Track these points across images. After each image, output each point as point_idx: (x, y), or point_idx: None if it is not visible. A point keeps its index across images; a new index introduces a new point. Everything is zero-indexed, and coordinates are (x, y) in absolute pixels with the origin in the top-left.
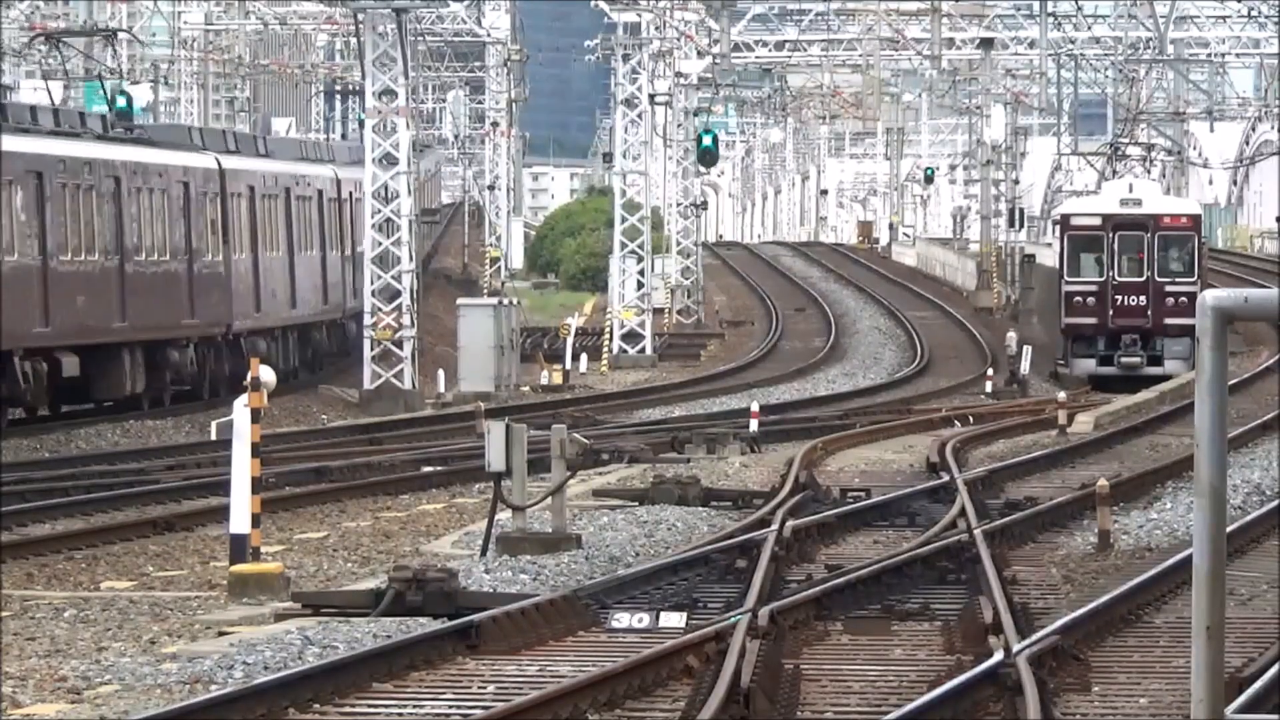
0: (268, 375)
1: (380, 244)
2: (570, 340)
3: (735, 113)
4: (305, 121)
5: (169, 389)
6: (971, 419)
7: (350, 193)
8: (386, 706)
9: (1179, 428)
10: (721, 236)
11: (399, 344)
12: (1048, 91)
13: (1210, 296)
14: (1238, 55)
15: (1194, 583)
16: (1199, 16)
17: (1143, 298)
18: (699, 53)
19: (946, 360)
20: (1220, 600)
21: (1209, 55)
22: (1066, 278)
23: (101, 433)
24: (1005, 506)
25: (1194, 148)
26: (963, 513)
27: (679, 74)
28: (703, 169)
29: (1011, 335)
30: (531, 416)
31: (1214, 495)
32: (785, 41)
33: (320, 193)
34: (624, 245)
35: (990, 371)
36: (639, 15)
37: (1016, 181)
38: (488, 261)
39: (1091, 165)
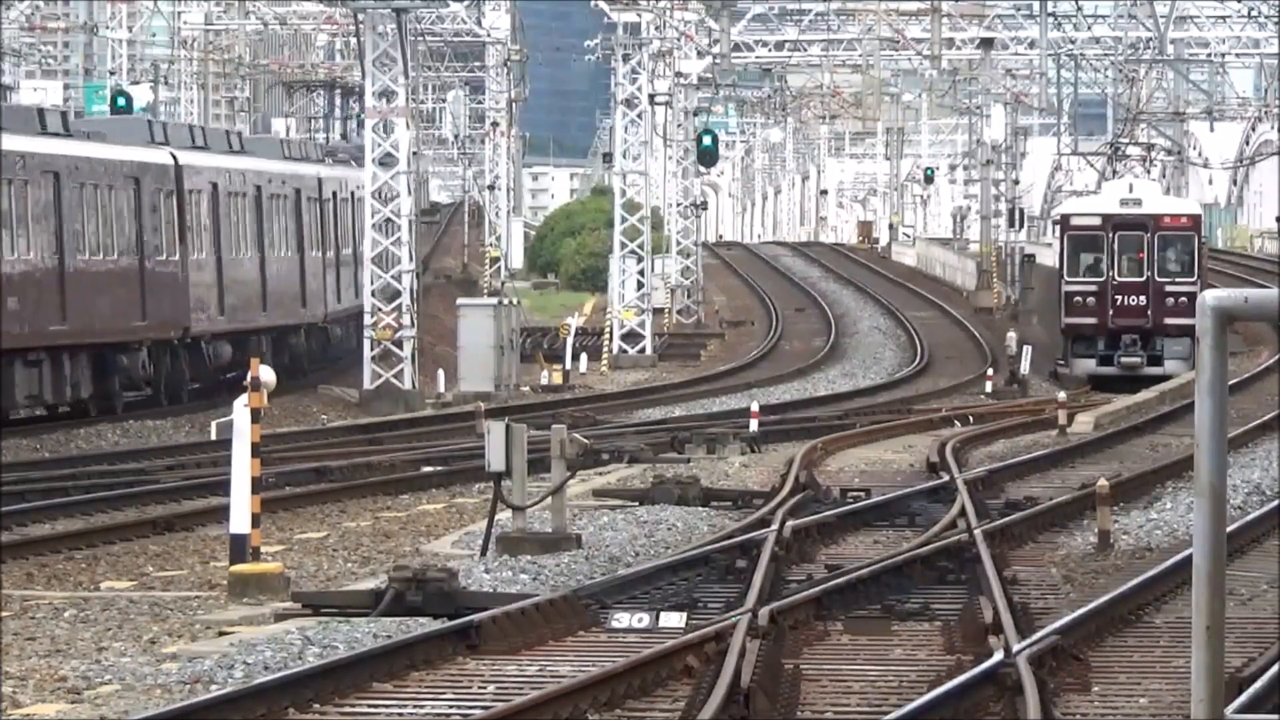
0: (268, 375)
1: (380, 244)
2: (570, 340)
3: (735, 113)
4: (305, 122)
5: None
6: (971, 419)
7: (217, 184)
8: (386, 706)
9: (1179, 428)
10: (721, 236)
11: (399, 344)
12: (1048, 91)
13: (1210, 296)
14: (1238, 55)
15: (1194, 583)
16: (1199, 16)
17: (1143, 298)
18: (699, 53)
19: (946, 360)
20: (1220, 600)
21: (1209, 55)
22: (1066, 278)
23: (101, 433)
24: (1005, 506)
25: (1194, 148)
26: (963, 513)
27: (679, 74)
28: (703, 169)
29: (1011, 335)
30: (531, 416)
31: (1214, 495)
32: (785, 41)
33: (138, 181)
34: (624, 245)
35: (990, 371)
36: (639, 15)
37: (1016, 181)
38: (488, 261)
39: (1091, 165)
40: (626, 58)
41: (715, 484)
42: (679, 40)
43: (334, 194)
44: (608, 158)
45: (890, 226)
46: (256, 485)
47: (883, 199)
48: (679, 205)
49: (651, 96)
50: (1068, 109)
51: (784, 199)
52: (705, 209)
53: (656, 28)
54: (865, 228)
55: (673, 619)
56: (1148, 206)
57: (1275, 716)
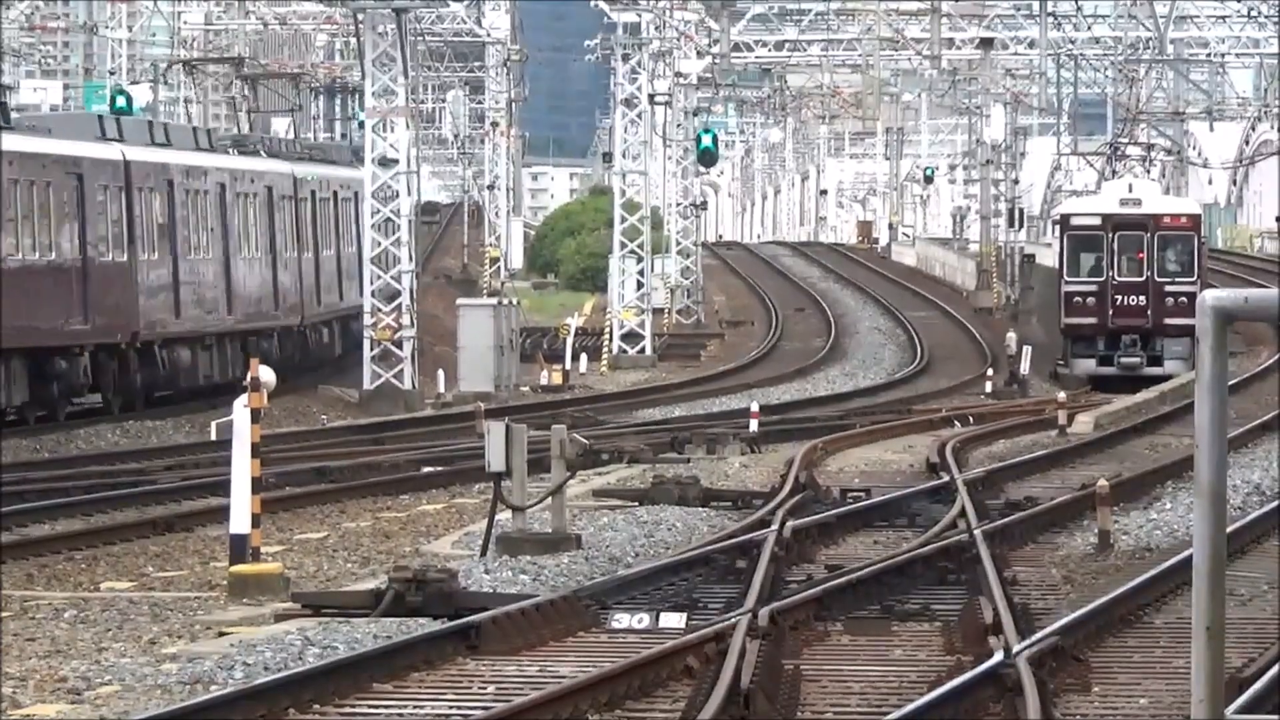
0: (267, 375)
1: (380, 244)
2: (570, 340)
3: (735, 113)
4: (306, 122)
5: None
6: (971, 419)
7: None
8: (386, 707)
9: (1179, 428)
10: (721, 236)
11: (399, 344)
12: (1048, 91)
13: (1210, 296)
14: (1238, 55)
15: (1194, 583)
16: (1199, 16)
17: (1142, 298)
18: (699, 53)
19: (946, 360)
20: (1220, 600)
21: (1209, 55)
22: (1066, 278)
23: (101, 433)
24: (1005, 506)
25: (1194, 148)
26: (963, 513)
27: (679, 74)
28: (702, 169)
29: (1011, 335)
30: (531, 416)
31: (1214, 495)
32: (785, 41)
33: None
34: (624, 245)
35: (990, 371)
36: (639, 15)
37: (1016, 181)
38: (487, 261)
39: (1091, 165)
40: (626, 58)
41: (715, 484)
42: (679, 40)
43: (171, 181)
44: (607, 158)
45: (890, 226)
46: (256, 485)
47: (882, 199)
48: (679, 205)
49: (651, 96)
50: (1067, 109)
51: (784, 199)
52: (705, 209)
53: (656, 28)
54: (865, 228)
55: (673, 619)
56: (1147, 206)
57: (1275, 717)
